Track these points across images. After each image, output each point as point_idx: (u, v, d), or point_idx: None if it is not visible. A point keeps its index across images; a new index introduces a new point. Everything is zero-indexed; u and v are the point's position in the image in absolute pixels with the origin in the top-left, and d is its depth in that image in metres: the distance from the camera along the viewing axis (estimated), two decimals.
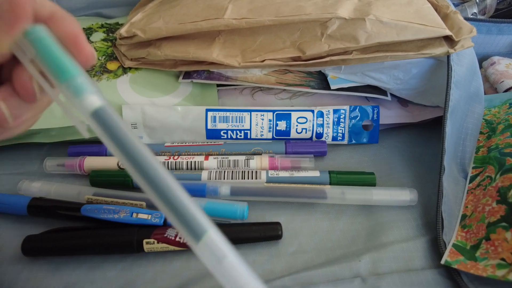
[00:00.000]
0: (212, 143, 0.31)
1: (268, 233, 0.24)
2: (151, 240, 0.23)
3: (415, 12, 0.28)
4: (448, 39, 0.28)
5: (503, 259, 0.20)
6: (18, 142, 0.32)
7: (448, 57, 0.28)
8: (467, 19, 0.41)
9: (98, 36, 0.38)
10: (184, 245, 0.23)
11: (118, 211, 0.25)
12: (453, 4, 0.46)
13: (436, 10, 0.29)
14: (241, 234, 0.24)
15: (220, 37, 0.30)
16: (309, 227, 0.26)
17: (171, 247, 0.23)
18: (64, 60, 0.16)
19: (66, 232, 0.25)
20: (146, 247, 0.23)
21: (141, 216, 0.24)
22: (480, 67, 0.40)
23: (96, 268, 0.24)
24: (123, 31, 0.32)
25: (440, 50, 0.27)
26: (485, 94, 0.36)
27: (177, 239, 0.23)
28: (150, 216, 0.24)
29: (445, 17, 0.29)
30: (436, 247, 0.24)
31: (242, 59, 0.29)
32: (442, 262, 0.22)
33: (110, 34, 0.39)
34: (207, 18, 0.29)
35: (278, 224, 0.24)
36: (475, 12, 0.41)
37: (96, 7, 0.46)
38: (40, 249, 0.24)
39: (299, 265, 0.23)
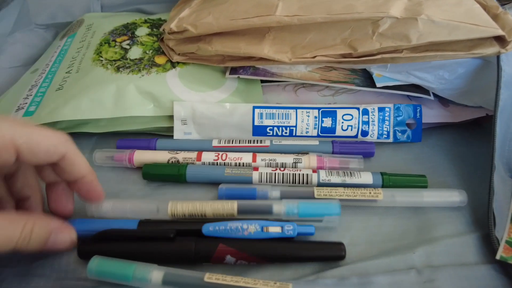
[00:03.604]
0: (259, 145, 0.31)
1: (332, 253, 0.23)
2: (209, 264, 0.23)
3: (466, 12, 0.28)
4: (499, 39, 0.28)
5: None
6: (69, 132, 0.33)
7: (498, 57, 0.28)
8: None
9: (143, 31, 0.39)
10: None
11: (246, 228, 0.23)
12: None
13: (485, 10, 0.30)
14: (305, 253, 0.23)
15: (270, 34, 0.31)
16: (359, 221, 0.26)
17: None
18: (121, 268, 0.22)
19: (124, 242, 0.24)
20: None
21: (272, 229, 0.23)
22: None
23: None
24: (173, 25, 0.33)
25: (491, 50, 0.28)
26: None
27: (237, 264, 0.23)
28: (281, 228, 0.23)
29: (495, 18, 0.29)
30: (487, 243, 0.24)
31: (292, 55, 0.30)
32: (497, 257, 0.22)
33: (154, 29, 0.40)
34: (259, 14, 0.30)
35: (341, 244, 0.24)
36: None
37: (137, 3, 0.47)
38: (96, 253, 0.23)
39: (353, 257, 0.24)
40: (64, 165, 0.21)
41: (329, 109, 0.31)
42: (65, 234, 0.22)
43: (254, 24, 0.30)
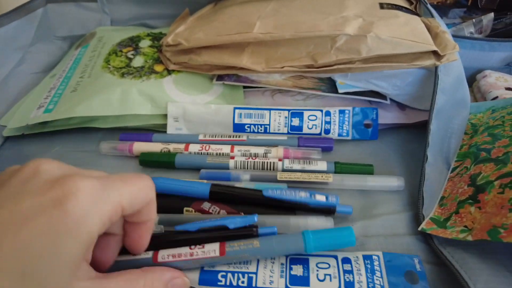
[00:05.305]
0: (238, 139, 0.37)
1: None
2: (190, 209, 0.29)
3: (410, 31, 0.34)
4: (436, 53, 0.34)
5: (465, 226, 0.26)
6: (80, 126, 0.39)
7: (436, 68, 0.34)
8: (464, 37, 0.47)
9: (146, 43, 0.46)
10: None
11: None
12: (454, 24, 0.52)
13: (428, 29, 0.35)
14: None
15: (248, 48, 0.37)
16: None
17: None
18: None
19: None
20: (185, 213, 0.29)
21: (318, 198, 0.29)
22: (475, 79, 0.46)
23: None
24: (169, 39, 0.39)
25: (429, 62, 0.33)
26: (476, 102, 0.42)
27: (210, 211, 0.29)
28: (325, 197, 0.29)
29: (435, 36, 0.35)
30: (417, 220, 0.29)
31: (265, 65, 0.36)
32: (419, 229, 0.28)
33: (156, 42, 0.46)
34: (240, 32, 0.36)
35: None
36: (471, 31, 0.46)
37: (142, 18, 0.54)
38: None
39: None
40: (143, 208, 0.21)
41: (297, 110, 0.37)
42: (179, 280, 0.22)
43: (235, 40, 0.36)
